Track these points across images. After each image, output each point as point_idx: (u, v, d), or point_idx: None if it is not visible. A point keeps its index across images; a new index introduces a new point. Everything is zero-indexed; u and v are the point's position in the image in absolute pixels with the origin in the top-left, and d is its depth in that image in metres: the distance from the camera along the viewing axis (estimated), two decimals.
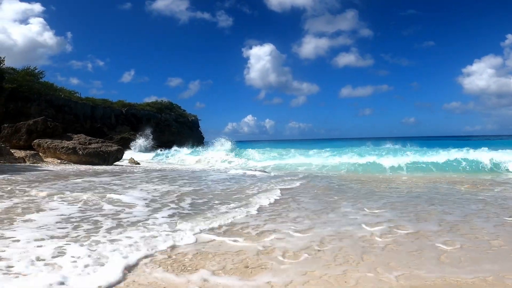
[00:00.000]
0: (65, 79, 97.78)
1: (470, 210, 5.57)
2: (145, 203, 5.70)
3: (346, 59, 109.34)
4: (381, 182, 9.68)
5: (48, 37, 75.75)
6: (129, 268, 2.91)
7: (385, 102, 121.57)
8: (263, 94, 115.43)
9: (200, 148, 27.17)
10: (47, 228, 4.04)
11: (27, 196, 6.02)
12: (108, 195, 6.20)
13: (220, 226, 4.37)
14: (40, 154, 15.96)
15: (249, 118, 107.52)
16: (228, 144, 22.91)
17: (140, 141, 36.06)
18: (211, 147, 24.67)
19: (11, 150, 15.01)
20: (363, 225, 4.54)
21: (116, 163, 17.34)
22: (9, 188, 6.78)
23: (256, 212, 5.30)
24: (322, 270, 2.90)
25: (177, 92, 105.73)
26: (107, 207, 5.30)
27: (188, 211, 5.27)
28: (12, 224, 4.11)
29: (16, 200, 5.60)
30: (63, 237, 3.70)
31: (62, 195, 6.13)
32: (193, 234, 3.94)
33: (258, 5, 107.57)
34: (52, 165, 14.32)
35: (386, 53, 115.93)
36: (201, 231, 4.10)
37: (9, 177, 8.63)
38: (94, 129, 34.70)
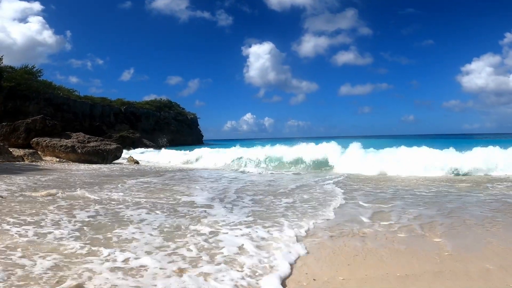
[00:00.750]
0: (64, 77, 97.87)
1: (468, 204, 5.79)
2: (218, 203, 5.74)
3: (345, 58, 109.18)
4: (381, 181, 9.67)
5: (48, 35, 75.43)
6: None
7: (385, 100, 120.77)
8: (262, 92, 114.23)
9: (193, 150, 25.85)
10: (161, 248, 3.23)
11: (97, 203, 5.40)
12: (181, 198, 6.22)
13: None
14: (39, 152, 15.90)
15: (248, 116, 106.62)
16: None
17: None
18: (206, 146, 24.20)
19: (9, 148, 14.96)
20: (366, 214, 4.99)
21: (115, 161, 17.27)
22: (66, 194, 6.06)
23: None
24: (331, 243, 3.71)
25: (177, 90, 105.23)
26: (186, 210, 5.10)
27: (262, 209, 5.24)
28: (113, 245, 3.29)
29: (92, 209, 4.96)
30: (190, 262, 2.89)
31: (131, 198, 6.00)
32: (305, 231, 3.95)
33: (258, 4, 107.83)
34: (50, 163, 14.29)
35: (385, 51, 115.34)
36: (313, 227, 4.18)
37: (57, 178, 8.33)
38: (93, 128, 34.63)
